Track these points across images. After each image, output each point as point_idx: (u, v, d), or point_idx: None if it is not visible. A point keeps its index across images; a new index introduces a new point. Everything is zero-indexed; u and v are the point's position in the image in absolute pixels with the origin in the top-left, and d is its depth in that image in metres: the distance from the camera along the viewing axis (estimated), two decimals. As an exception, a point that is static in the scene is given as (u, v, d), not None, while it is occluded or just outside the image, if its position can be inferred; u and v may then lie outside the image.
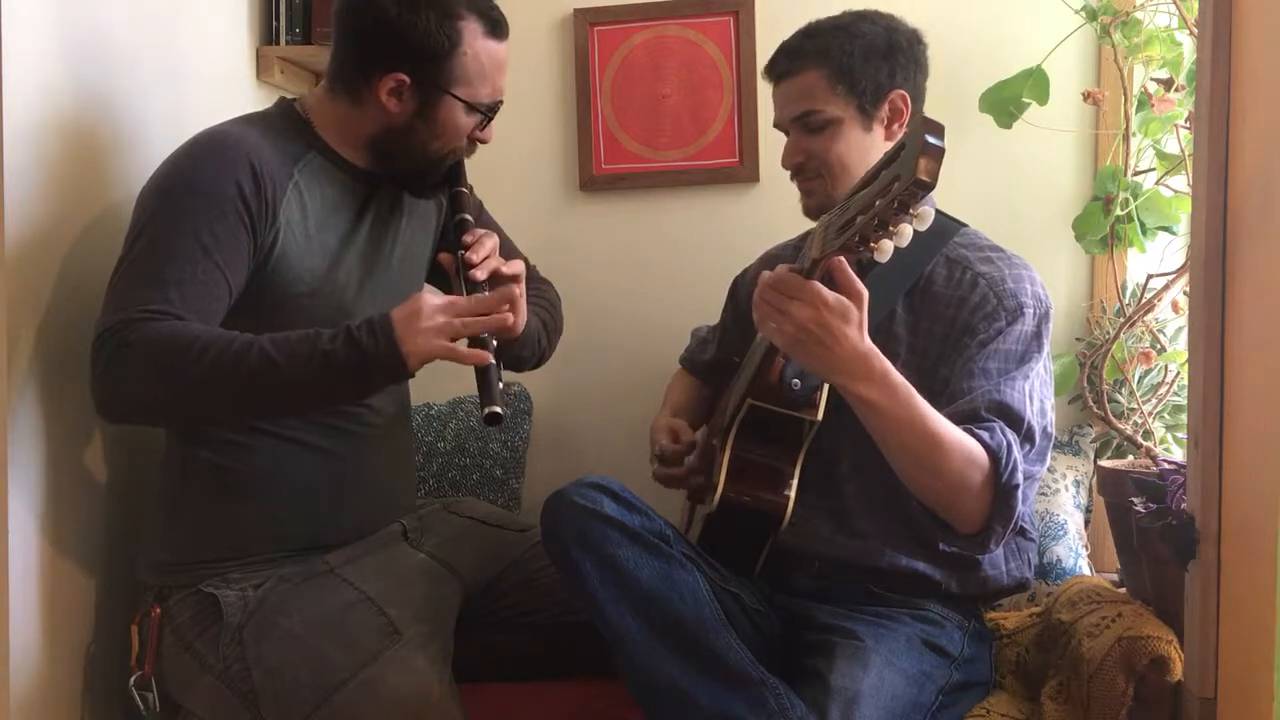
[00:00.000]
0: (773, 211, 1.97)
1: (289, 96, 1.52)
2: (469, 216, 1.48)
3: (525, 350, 1.57)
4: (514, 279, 1.43)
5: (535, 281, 1.69)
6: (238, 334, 1.27)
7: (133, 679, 1.38)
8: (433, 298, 1.29)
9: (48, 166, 1.37)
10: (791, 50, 1.50)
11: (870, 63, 1.46)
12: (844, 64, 1.45)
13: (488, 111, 1.45)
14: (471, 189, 1.57)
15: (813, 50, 1.47)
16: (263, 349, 1.25)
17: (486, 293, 1.37)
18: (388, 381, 1.30)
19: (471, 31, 1.40)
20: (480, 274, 1.40)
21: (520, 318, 1.44)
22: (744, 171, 2.08)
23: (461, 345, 1.29)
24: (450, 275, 1.44)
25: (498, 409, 1.28)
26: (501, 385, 1.33)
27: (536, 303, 1.62)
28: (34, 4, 1.35)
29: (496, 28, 1.42)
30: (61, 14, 1.40)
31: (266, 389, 1.26)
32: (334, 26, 1.46)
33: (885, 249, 1.14)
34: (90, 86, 1.46)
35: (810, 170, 1.49)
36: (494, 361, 1.31)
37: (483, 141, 1.50)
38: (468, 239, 1.43)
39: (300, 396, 1.30)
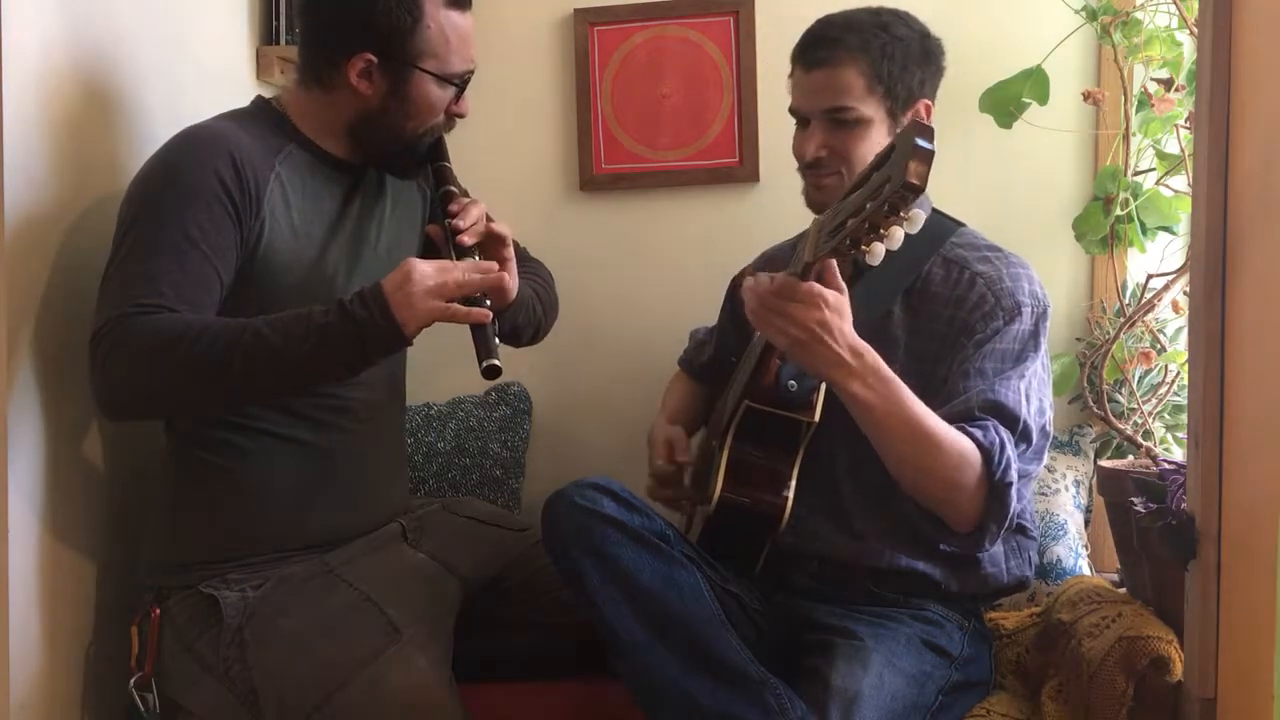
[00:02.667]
0: (773, 211, 1.96)
1: (265, 95, 1.52)
2: (454, 188, 1.48)
3: (520, 317, 1.55)
4: (502, 241, 1.43)
5: (526, 261, 1.68)
6: (231, 320, 1.28)
7: (133, 680, 1.38)
8: (423, 263, 1.29)
9: (48, 165, 1.37)
10: (832, 40, 1.46)
11: (908, 69, 1.45)
12: (885, 66, 1.44)
13: (460, 83, 1.45)
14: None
15: (856, 45, 1.44)
16: (258, 331, 1.25)
17: (478, 257, 1.38)
18: (387, 351, 1.30)
19: (433, 4, 1.40)
20: (469, 239, 1.40)
21: (512, 279, 1.44)
22: (744, 171, 2.08)
23: (456, 306, 1.29)
24: (439, 246, 1.45)
25: (496, 361, 1.29)
26: (498, 342, 1.33)
27: (528, 277, 1.61)
28: (36, 2, 1.35)
29: None
30: (63, 13, 1.40)
31: (264, 370, 1.26)
32: (299, 17, 1.48)
33: (877, 251, 1.14)
34: (91, 86, 1.46)
35: (828, 166, 1.47)
36: (491, 318, 1.31)
37: (460, 115, 1.49)
38: (454, 208, 1.44)
39: (299, 375, 1.30)
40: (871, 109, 1.45)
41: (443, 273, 1.29)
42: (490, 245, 1.43)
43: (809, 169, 1.50)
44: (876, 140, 1.45)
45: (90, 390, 1.29)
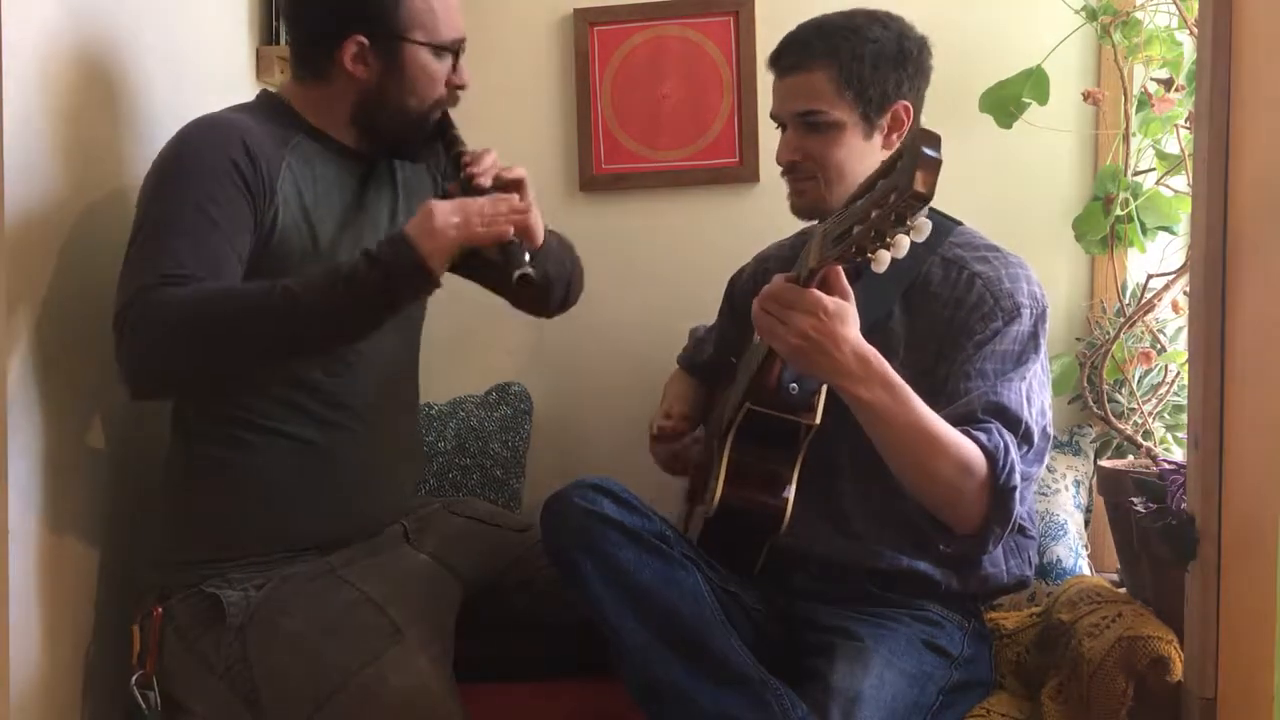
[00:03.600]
0: (773, 211, 1.94)
1: (269, 89, 1.52)
2: (465, 148, 1.47)
3: (550, 267, 1.53)
4: (518, 184, 1.42)
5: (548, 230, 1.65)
6: (255, 283, 1.29)
7: (134, 678, 1.38)
8: (444, 201, 1.31)
9: (48, 165, 1.37)
10: (801, 45, 1.46)
11: (880, 71, 1.44)
12: (854, 69, 1.43)
13: (453, 50, 1.45)
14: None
15: (824, 50, 1.44)
16: (286, 287, 1.27)
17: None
18: (415, 291, 1.31)
19: None
20: (484, 180, 1.40)
21: (537, 222, 1.42)
22: (744, 171, 2.08)
23: (478, 228, 1.29)
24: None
25: (529, 270, 1.30)
26: (529, 258, 1.33)
27: (551, 236, 1.58)
28: (36, 3, 1.35)
29: None
30: (63, 12, 1.40)
31: (294, 326, 1.27)
32: (284, 13, 1.49)
33: (882, 259, 1.13)
34: (91, 86, 1.46)
35: (805, 170, 1.47)
36: (514, 236, 1.32)
37: (461, 86, 1.48)
38: (466, 159, 1.44)
39: (329, 327, 1.30)
40: (843, 112, 1.44)
41: (463, 205, 1.31)
42: (507, 187, 1.41)
43: (787, 174, 1.51)
44: (851, 144, 1.45)
45: (118, 367, 1.29)
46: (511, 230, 1.32)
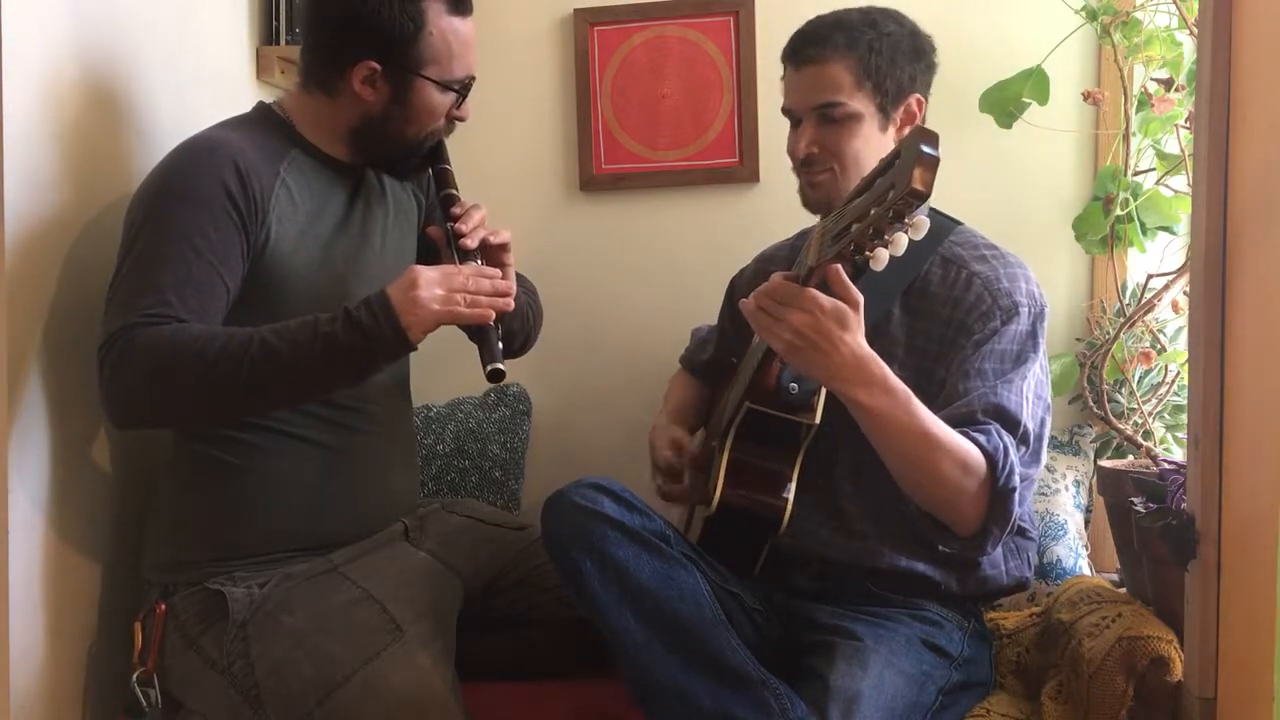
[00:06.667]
0: (773, 211, 1.97)
1: (266, 101, 1.52)
2: (455, 191, 1.49)
3: (515, 323, 1.57)
4: (502, 248, 1.45)
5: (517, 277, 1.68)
6: (237, 329, 1.29)
7: (135, 675, 1.38)
8: (428, 269, 1.31)
9: (50, 168, 1.37)
10: (820, 38, 1.47)
11: (896, 63, 1.45)
12: (872, 61, 1.44)
13: (461, 90, 1.46)
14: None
15: (844, 42, 1.45)
16: (264, 340, 1.27)
17: (480, 262, 1.40)
18: (392, 357, 1.32)
19: (435, 11, 1.41)
20: (470, 242, 1.41)
21: (513, 285, 1.44)
22: (744, 171, 2.08)
23: (460, 308, 1.31)
24: (440, 248, 1.46)
25: (501, 365, 1.32)
26: (501, 346, 1.35)
27: (519, 286, 1.62)
28: (37, 4, 1.35)
29: (460, 5, 1.43)
30: (64, 14, 1.40)
31: (271, 380, 1.27)
32: (302, 22, 1.49)
33: (881, 257, 1.13)
34: (92, 87, 1.46)
35: (820, 163, 1.47)
36: (494, 319, 1.34)
37: (460, 119, 1.50)
38: (456, 211, 1.45)
39: (305, 383, 1.31)
40: (861, 104, 1.45)
41: (448, 278, 1.31)
42: (491, 250, 1.44)
43: (802, 167, 1.50)
44: (867, 136, 1.46)
45: (99, 399, 1.30)
46: (493, 316, 1.33)
